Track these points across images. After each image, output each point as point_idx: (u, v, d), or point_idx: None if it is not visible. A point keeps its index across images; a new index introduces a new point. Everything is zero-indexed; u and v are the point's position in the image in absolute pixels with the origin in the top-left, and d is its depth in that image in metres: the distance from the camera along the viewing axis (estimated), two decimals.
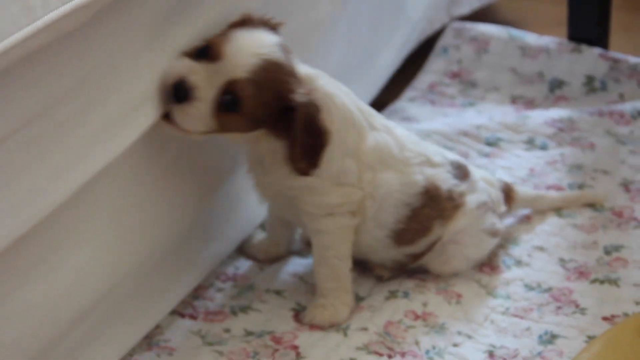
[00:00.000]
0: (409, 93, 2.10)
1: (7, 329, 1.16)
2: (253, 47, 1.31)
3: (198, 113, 1.30)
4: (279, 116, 1.34)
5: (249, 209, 1.62)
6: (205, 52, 1.31)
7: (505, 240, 1.64)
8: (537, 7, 2.54)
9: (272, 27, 1.38)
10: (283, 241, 1.63)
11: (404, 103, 2.06)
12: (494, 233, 1.58)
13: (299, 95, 1.33)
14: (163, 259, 1.43)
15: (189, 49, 1.31)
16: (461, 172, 1.55)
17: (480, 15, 2.36)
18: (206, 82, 1.29)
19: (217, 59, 1.30)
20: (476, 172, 1.59)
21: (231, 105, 1.30)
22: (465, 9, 2.31)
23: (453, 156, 1.58)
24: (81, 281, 1.25)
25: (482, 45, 2.15)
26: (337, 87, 1.44)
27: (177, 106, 1.29)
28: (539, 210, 1.71)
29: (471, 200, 1.54)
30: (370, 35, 1.93)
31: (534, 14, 2.50)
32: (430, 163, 1.51)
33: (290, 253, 1.65)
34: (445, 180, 1.52)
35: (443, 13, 2.25)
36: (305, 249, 1.65)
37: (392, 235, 1.50)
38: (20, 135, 1.10)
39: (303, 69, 1.39)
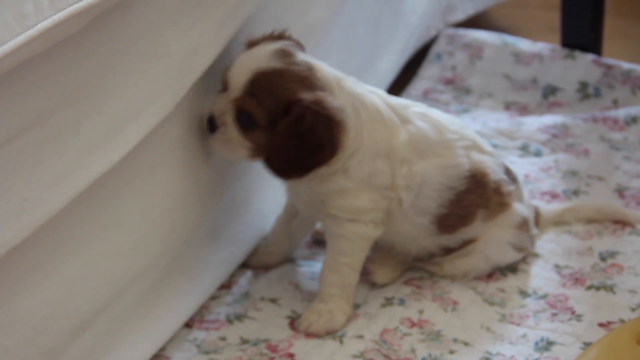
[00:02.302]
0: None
1: (3, 336, 1.16)
2: (245, 64, 1.39)
3: (227, 137, 1.40)
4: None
5: (257, 217, 1.63)
6: (222, 87, 1.42)
7: None
8: (530, 13, 2.55)
9: (276, 37, 1.44)
10: (280, 250, 1.63)
11: None
12: (520, 249, 1.58)
13: (302, 99, 1.36)
14: (169, 270, 1.42)
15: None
16: (511, 175, 1.56)
17: (473, 22, 2.37)
18: (225, 109, 1.40)
19: (227, 87, 1.41)
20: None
21: (247, 121, 1.39)
22: (460, 15, 2.32)
23: (502, 161, 1.58)
24: (78, 289, 1.25)
25: (475, 51, 2.15)
26: (365, 88, 1.47)
27: (211, 137, 1.41)
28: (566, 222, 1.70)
29: (518, 209, 1.55)
30: (369, 40, 1.93)
31: (527, 20, 2.51)
32: (478, 149, 1.52)
33: (284, 262, 1.64)
34: (495, 171, 1.52)
35: (439, 19, 2.25)
36: (303, 255, 1.65)
37: (435, 221, 1.50)
38: (14, 144, 1.09)
39: (328, 70, 1.43)
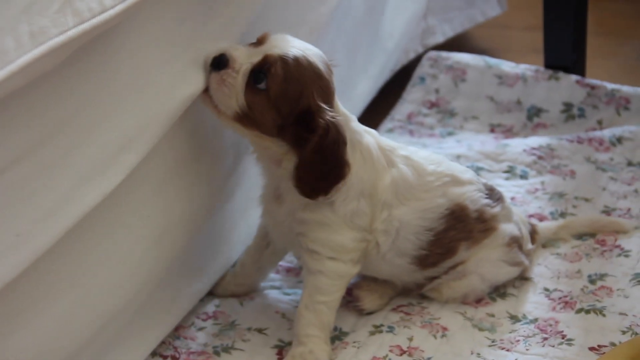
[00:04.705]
0: (387, 124, 2.10)
1: None
2: (297, 42, 1.38)
3: (229, 81, 1.34)
4: (299, 124, 1.35)
5: (228, 246, 1.61)
6: (255, 43, 1.39)
7: None
8: (512, 34, 2.55)
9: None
10: (248, 281, 1.62)
11: (382, 134, 2.04)
12: (515, 264, 1.57)
13: (326, 112, 1.35)
14: (147, 299, 1.41)
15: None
16: (495, 195, 1.55)
17: (455, 44, 2.37)
18: (244, 58, 1.35)
19: (260, 44, 1.37)
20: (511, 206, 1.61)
21: (259, 78, 1.34)
22: (440, 38, 2.32)
23: (485, 181, 1.58)
24: (68, 326, 1.23)
25: (459, 74, 2.15)
26: (362, 128, 1.46)
27: (213, 73, 1.35)
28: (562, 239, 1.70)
29: (505, 229, 1.54)
30: (347, 66, 1.93)
31: (509, 41, 2.51)
32: (456, 182, 1.51)
33: (250, 292, 1.63)
34: (475, 199, 1.52)
35: (417, 42, 2.26)
36: (289, 283, 1.64)
37: (414, 261, 1.50)
38: (5, 178, 1.08)
39: (346, 112, 1.44)
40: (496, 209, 1.54)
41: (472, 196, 1.52)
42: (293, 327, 1.47)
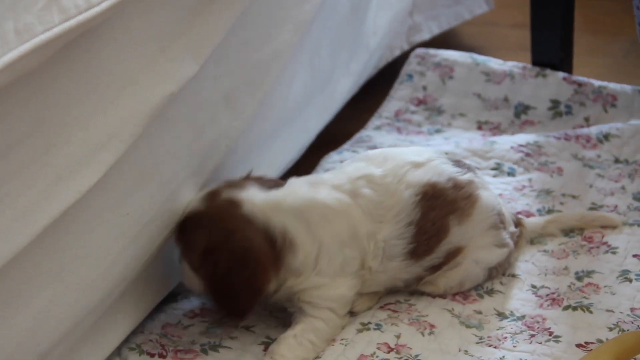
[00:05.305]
0: (374, 121, 2.10)
1: None
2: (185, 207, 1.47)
3: (184, 269, 1.47)
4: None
5: None
6: None
7: None
8: (500, 32, 2.55)
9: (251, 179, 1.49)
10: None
11: (370, 132, 2.05)
12: (502, 245, 1.57)
13: (212, 244, 1.42)
14: (120, 295, 1.41)
15: None
16: (464, 165, 1.56)
17: (442, 41, 2.37)
18: None
19: None
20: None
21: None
22: (426, 35, 2.33)
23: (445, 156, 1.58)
24: (43, 323, 1.23)
25: (446, 71, 2.15)
26: (315, 183, 1.48)
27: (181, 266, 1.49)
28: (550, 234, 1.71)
29: (487, 197, 1.54)
30: (330, 63, 1.93)
31: (497, 39, 2.51)
32: (415, 166, 1.50)
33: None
34: (442, 171, 1.51)
35: (403, 40, 2.26)
36: None
37: (407, 257, 1.50)
38: None
39: (261, 198, 1.44)
40: (469, 175, 1.53)
41: (436, 170, 1.51)
42: (272, 345, 1.46)
